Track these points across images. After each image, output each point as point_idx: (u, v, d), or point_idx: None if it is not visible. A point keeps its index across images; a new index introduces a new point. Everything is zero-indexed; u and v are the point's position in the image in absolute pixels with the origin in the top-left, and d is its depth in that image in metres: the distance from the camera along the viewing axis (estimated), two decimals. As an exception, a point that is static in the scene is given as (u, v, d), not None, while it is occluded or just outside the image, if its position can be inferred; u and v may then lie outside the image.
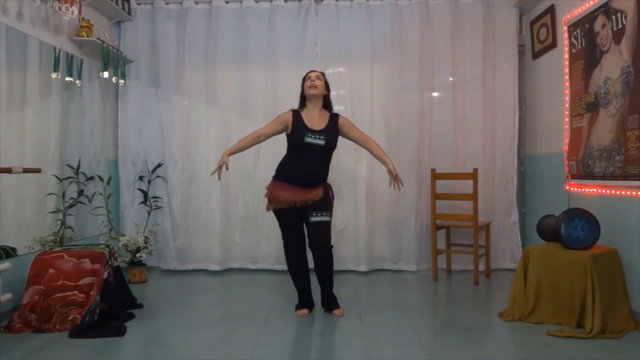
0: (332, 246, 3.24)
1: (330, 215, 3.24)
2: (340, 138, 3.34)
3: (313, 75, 3.28)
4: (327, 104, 3.33)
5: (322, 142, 3.18)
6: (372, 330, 2.94)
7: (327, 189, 3.26)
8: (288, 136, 3.27)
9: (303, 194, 3.15)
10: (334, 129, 3.26)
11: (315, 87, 3.23)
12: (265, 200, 3.28)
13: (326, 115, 3.29)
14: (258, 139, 3.29)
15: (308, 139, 3.16)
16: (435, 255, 4.25)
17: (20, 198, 3.37)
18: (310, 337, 2.90)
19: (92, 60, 4.18)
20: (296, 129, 3.20)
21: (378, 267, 4.59)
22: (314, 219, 3.16)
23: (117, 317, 3.07)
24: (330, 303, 3.30)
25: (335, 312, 3.25)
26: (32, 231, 3.43)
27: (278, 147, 4.57)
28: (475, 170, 4.05)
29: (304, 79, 3.32)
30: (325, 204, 3.21)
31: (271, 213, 3.27)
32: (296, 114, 3.27)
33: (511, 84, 4.57)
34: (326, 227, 3.20)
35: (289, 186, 3.15)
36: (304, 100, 3.30)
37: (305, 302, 3.31)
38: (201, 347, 2.69)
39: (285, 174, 3.21)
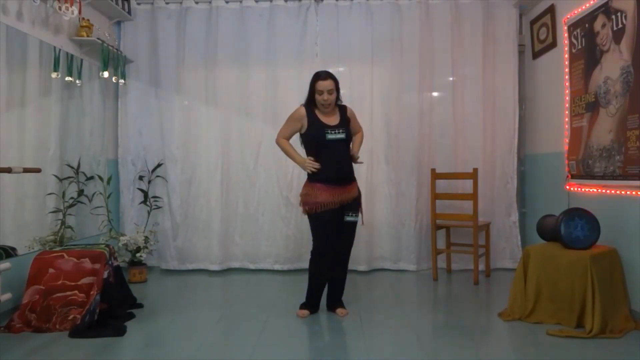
0: None
1: (357, 215, 3.25)
2: None
3: (325, 89, 3.07)
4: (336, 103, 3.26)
5: (342, 136, 3.12)
6: (372, 330, 2.94)
7: (358, 186, 3.26)
8: (304, 135, 3.16)
9: (344, 193, 3.13)
10: (346, 121, 3.20)
11: (329, 104, 3.12)
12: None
13: (336, 109, 3.21)
14: (289, 144, 3.26)
15: (330, 136, 3.09)
16: (435, 254, 4.25)
17: (20, 198, 3.37)
18: (310, 337, 2.91)
19: (92, 60, 4.18)
20: (313, 127, 3.12)
21: (378, 267, 4.59)
22: (348, 218, 3.19)
23: (117, 316, 3.08)
24: (337, 302, 3.30)
25: (339, 311, 3.24)
26: (32, 231, 3.43)
27: (277, 147, 4.60)
28: (475, 170, 4.05)
29: (314, 84, 3.11)
30: (358, 203, 3.24)
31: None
32: (309, 111, 3.15)
33: (511, 83, 4.57)
34: (355, 226, 3.25)
35: (329, 186, 3.09)
36: (312, 99, 3.15)
37: (312, 304, 3.28)
38: (201, 347, 2.69)
39: (322, 174, 3.10)
